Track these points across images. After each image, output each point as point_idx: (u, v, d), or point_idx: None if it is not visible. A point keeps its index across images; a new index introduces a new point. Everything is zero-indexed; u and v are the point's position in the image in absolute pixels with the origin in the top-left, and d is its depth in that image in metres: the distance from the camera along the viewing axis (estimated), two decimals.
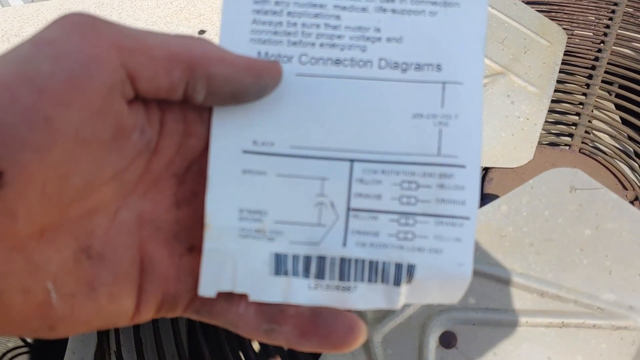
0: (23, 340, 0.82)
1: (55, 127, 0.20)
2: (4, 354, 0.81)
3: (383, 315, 0.48)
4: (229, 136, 0.28)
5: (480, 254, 0.49)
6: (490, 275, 0.48)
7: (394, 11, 0.28)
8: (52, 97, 0.20)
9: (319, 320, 0.26)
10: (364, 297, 0.27)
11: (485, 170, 0.65)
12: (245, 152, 0.28)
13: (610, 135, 0.70)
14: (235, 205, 0.28)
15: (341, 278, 0.27)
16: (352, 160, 0.28)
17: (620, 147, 0.69)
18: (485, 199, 0.60)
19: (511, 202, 0.51)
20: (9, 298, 0.21)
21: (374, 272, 0.27)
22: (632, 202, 0.61)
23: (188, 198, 0.28)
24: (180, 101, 0.25)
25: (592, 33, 0.81)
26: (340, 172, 0.28)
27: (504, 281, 0.47)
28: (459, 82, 0.27)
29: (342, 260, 0.27)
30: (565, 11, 0.83)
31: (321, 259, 0.28)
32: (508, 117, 0.67)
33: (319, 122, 0.28)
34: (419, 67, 0.28)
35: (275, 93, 0.28)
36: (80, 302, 0.23)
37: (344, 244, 0.28)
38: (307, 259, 0.28)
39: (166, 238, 0.27)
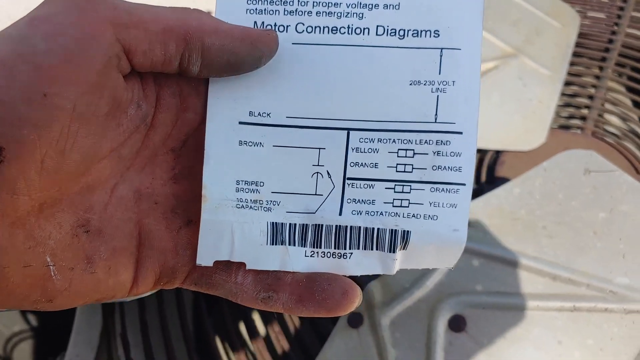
0: (28, 323, 0.83)
1: (53, 103, 0.21)
2: (10, 338, 0.82)
3: (391, 299, 0.48)
4: (225, 107, 0.28)
5: (492, 237, 0.49)
6: (501, 259, 0.48)
7: None
8: (49, 74, 0.21)
9: (314, 286, 0.27)
10: (360, 263, 0.28)
11: (497, 153, 0.64)
12: (241, 123, 0.28)
13: (623, 119, 0.69)
14: (232, 177, 0.28)
15: (337, 246, 0.28)
16: (348, 130, 0.28)
17: (633, 130, 0.68)
18: (497, 182, 0.59)
19: (524, 185, 0.51)
20: (10, 272, 0.21)
21: (370, 239, 0.28)
22: None
23: (185, 172, 0.28)
24: (176, 74, 0.25)
25: (606, 15, 0.80)
26: (337, 141, 0.28)
27: (516, 264, 0.47)
28: (456, 48, 0.27)
29: (338, 228, 0.28)
30: None
31: (317, 228, 0.28)
32: (520, 100, 0.66)
33: (315, 92, 0.29)
34: (416, 33, 0.28)
35: (271, 62, 0.28)
36: (78, 275, 0.24)
37: (340, 213, 0.28)
38: (304, 228, 0.28)
39: (164, 212, 0.27)
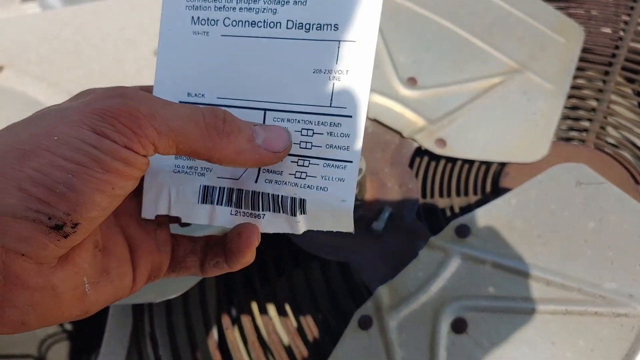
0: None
1: (116, 194, 0.26)
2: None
3: (399, 303, 0.50)
4: (168, 88, 0.33)
5: (490, 245, 0.52)
6: (499, 265, 0.50)
7: None
8: (116, 175, 0.25)
9: (230, 241, 0.33)
10: (271, 222, 0.32)
11: (502, 165, 0.67)
12: (180, 102, 0.33)
13: (625, 132, 0.71)
14: None
15: (253, 207, 0.32)
16: (265, 110, 0.33)
17: (635, 144, 0.70)
18: (501, 192, 0.62)
19: (520, 196, 0.53)
20: (65, 296, 0.26)
21: (277, 204, 0.32)
22: None
23: (139, 186, 0.33)
24: None
25: (610, 30, 0.82)
26: (256, 119, 0.32)
27: (513, 271, 0.50)
28: (352, 40, 0.31)
29: (254, 193, 0.32)
30: (584, 7, 0.85)
31: (240, 192, 0.33)
32: (524, 114, 0.68)
33: (239, 77, 0.33)
34: (319, 27, 0.32)
35: (204, 52, 0.33)
36: (102, 287, 0.29)
37: (256, 180, 0.32)
38: (230, 191, 0.33)
39: (137, 221, 0.33)
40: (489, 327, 0.48)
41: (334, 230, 0.32)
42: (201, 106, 0.29)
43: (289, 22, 0.32)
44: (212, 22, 0.33)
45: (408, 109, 0.68)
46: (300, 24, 0.32)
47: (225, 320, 0.55)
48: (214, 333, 0.55)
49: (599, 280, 0.47)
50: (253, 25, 0.33)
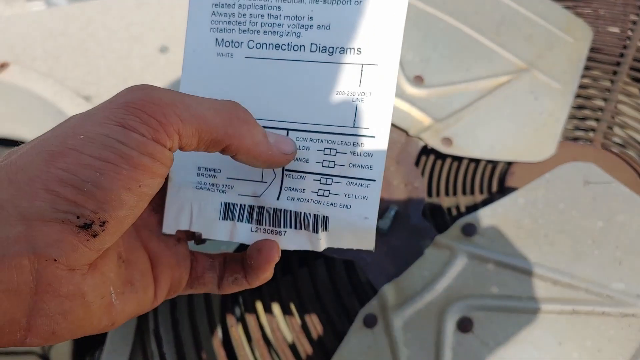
0: None
1: (144, 192, 0.26)
2: None
3: (404, 302, 0.50)
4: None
5: (498, 244, 0.51)
6: (506, 264, 0.50)
7: (324, 1, 0.33)
8: (142, 171, 0.25)
9: (250, 257, 0.33)
10: (292, 239, 0.33)
11: (508, 164, 0.66)
12: None
13: (633, 132, 0.71)
14: (195, 164, 0.35)
15: (274, 224, 0.33)
16: (288, 130, 0.33)
17: None
18: (507, 191, 0.61)
19: (528, 195, 0.53)
20: (94, 306, 0.26)
21: (299, 221, 0.33)
22: None
23: (160, 202, 0.35)
24: None
25: (618, 29, 0.82)
26: None
27: (520, 270, 0.49)
28: (374, 63, 0.32)
29: (275, 210, 0.33)
30: (592, 7, 0.84)
31: (261, 209, 0.33)
32: (531, 113, 0.68)
33: (262, 98, 0.34)
34: (343, 50, 0.33)
35: (227, 73, 0.34)
36: (127, 297, 0.29)
37: (278, 198, 0.33)
38: (251, 208, 0.34)
39: (158, 236, 0.33)
40: (495, 327, 0.47)
41: (354, 247, 0.33)
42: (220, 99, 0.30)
43: (312, 45, 0.33)
44: (237, 45, 0.34)
45: (414, 108, 0.67)
46: (324, 47, 0.33)
47: (230, 318, 0.55)
48: (219, 330, 0.55)
49: (607, 280, 0.47)
50: (277, 48, 0.34)
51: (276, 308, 0.57)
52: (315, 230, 0.33)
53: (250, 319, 0.56)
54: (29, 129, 0.83)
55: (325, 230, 0.33)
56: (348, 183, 0.32)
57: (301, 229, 0.33)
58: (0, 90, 0.82)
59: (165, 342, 0.54)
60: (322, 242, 0.33)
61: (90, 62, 0.86)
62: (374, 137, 0.32)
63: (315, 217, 0.33)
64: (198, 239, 0.35)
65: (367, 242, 0.33)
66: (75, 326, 0.25)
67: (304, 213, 0.33)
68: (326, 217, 0.32)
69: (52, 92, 0.81)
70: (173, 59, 0.87)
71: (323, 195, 0.33)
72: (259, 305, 0.58)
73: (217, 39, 0.35)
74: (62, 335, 0.25)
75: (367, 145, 0.32)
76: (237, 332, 0.54)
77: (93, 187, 0.24)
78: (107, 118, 0.25)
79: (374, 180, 0.32)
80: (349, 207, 0.32)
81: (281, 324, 0.56)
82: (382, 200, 0.60)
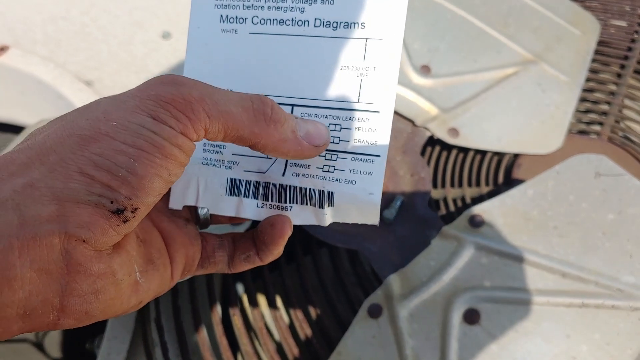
0: None
1: (170, 180, 0.26)
2: None
3: (410, 292, 0.50)
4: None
5: (506, 235, 0.51)
6: (514, 256, 0.49)
7: None
8: (172, 161, 0.26)
9: (262, 233, 0.34)
10: (298, 214, 0.33)
11: (515, 156, 0.66)
12: None
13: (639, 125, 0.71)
14: (199, 143, 0.34)
15: (280, 200, 0.33)
16: (293, 105, 0.33)
17: None
18: (513, 183, 0.61)
19: (537, 187, 0.53)
20: (123, 283, 0.26)
21: (304, 196, 0.33)
22: None
23: None
24: None
25: (627, 23, 0.81)
26: None
27: (528, 262, 0.49)
28: (379, 38, 0.32)
29: (281, 186, 0.33)
30: (600, 0, 0.84)
31: (266, 185, 0.34)
32: (538, 105, 0.68)
33: (267, 73, 0.34)
34: (347, 25, 0.33)
35: (232, 49, 0.34)
36: (151, 275, 0.29)
37: (283, 174, 0.33)
38: (256, 184, 0.34)
39: (168, 216, 0.34)
40: (502, 319, 0.47)
41: (360, 222, 0.33)
42: (249, 93, 0.30)
43: (316, 20, 0.33)
44: (241, 21, 0.34)
45: (421, 97, 0.67)
46: (328, 22, 0.33)
47: (232, 307, 0.55)
48: (221, 319, 0.54)
49: (617, 273, 0.47)
50: (281, 24, 0.34)
51: (280, 296, 0.56)
52: (321, 206, 0.33)
53: (252, 308, 0.55)
54: (28, 113, 0.82)
55: (331, 206, 0.33)
56: (353, 159, 0.32)
57: (307, 204, 0.33)
58: (0, 73, 0.81)
59: (167, 331, 0.54)
60: (327, 217, 0.33)
61: (92, 46, 0.85)
62: (378, 112, 0.32)
63: (321, 192, 0.33)
64: (202, 222, 0.35)
65: (371, 217, 0.33)
66: (106, 305, 0.25)
67: (309, 189, 0.33)
68: (331, 192, 0.33)
69: (53, 77, 0.80)
70: (176, 45, 0.86)
71: (328, 171, 0.33)
72: (262, 295, 0.57)
73: (221, 15, 0.35)
74: (94, 315, 0.25)
75: (371, 120, 0.32)
76: (239, 321, 0.54)
77: (128, 173, 0.24)
78: (137, 108, 0.26)
79: (379, 156, 0.32)
80: (353, 182, 0.32)
81: (284, 314, 0.55)
82: (387, 191, 0.59)
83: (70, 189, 0.23)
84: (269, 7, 0.34)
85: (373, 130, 0.32)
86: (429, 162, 0.66)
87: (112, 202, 0.24)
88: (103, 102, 0.27)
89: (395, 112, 0.66)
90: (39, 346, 0.83)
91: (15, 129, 0.85)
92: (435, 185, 0.64)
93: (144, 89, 0.27)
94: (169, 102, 0.26)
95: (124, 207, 0.24)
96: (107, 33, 0.86)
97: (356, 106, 0.32)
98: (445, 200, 0.63)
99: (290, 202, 0.33)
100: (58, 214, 0.23)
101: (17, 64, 0.81)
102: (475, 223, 0.52)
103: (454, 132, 0.65)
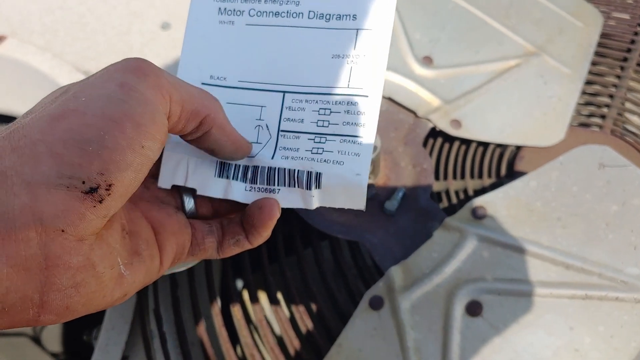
0: None
1: (146, 154, 0.26)
2: None
3: (411, 284, 0.49)
4: (192, 71, 0.36)
5: (509, 227, 0.50)
6: (517, 248, 0.49)
7: None
8: (144, 131, 0.25)
9: (250, 216, 0.34)
10: (286, 197, 0.34)
11: (517, 148, 0.66)
12: (203, 84, 0.36)
13: None
14: None
15: (268, 182, 0.34)
16: (284, 92, 0.35)
17: None
18: (516, 175, 0.61)
19: (540, 178, 0.52)
20: (105, 276, 0.26)
21: (292, 178, 0.34)
22: None
23: (154, 172, 0.35)
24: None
25: (630, 16, 0.81)
26: (275, 101, 0.35)
27: (531, 254, 0.48)
28: (369, 28, 0.34)
29: (270, 169, 0.34)
30: None
31: (255, 168, 0.34)
32: (540, 97, 0.67)
33: (260, 62, 0.35)
34: (339, 17, 0.34)
35: (228, 40, 0.36)
36: (136, 267, 0.29)
37: (272, 157, 0.34)
38: (245, 167, 0.35)
39: (157, 205, 0.34)
40: (505, 311, 0.47)
41: (346, 207, 0.34)
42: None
43: (310, 12, 0.35)
44: (238, 13, 0.36)
45: (423, 88, 0.66)
46: (321, 14, 0.35)
47: (232, 298, 0.54)
48: (220, 310, 0.54)
49: (621, 265, 0.46)
50: (277, 15, 0.35)
51: (280, 288, 0.56)
52: (309, 187, 0.34)
53: (252, 299, 0.55)
54: (25, 103, 0.81)
55: (318, 188, 0.34)
56: (341, 140, 0.33)
57: (294, 186, 0.34)
58: None
59: (165, 322, 0.53)
60: (314, 199, 0.34)
61: (89, 37, 0.84)
62: (367, 96, 0.33)
63: (309, 173, 0.34)
64: (189, 214, 0.36)
65: (358, 201, 0.34)
66: (88, 299, 0.25)
67: (297, 170, 0.34)
68: (319, 173, 0.33)
69: (50, 66, 0.79)
70: (174, 35, 0.85)
71: (317, 153, 0.34)
72: (262, 286, 0.57)
73: (219, 8, 0.36)
74: (76, 309, 0.24)
75: (360, 104, 0.33)
76: (239, 312, 0.53)
77: (98, 147, 0.24)
78: (106, 81, 0.26)
79: (367, 138, 0.33)
80: (342, 163, 0.33)
81: (284, 305, 0.55)
82: (389, 182, 0.59)
83: (40, 173, 0.23)
84: (265, 1, 0.35)
85: (362, 114, 0.33)
86: (431, 154, 0.65)
87: (84, 182, 0.23)
88: (72, 85, 0.27)
89: (397, 103, 0.65)
90: (36, 339, 0.83)
91: (12, 120, 0.84)
92: (437, 177, 0.64)
93: (110, 66, 0.27)
94: (137, 67, 0.27)
95: (97, 184, 0.24)
96: (105, 23, 0.86)
97: (346, 91, 0.34)
98: (447, 192, 0.62)
99: (278, 185, 0.34)
100: (31, 204, 0.22)
101: (14, 54, 0.81)
102: (478, 215, 0.51)
103: (456, 123, 0.64)
